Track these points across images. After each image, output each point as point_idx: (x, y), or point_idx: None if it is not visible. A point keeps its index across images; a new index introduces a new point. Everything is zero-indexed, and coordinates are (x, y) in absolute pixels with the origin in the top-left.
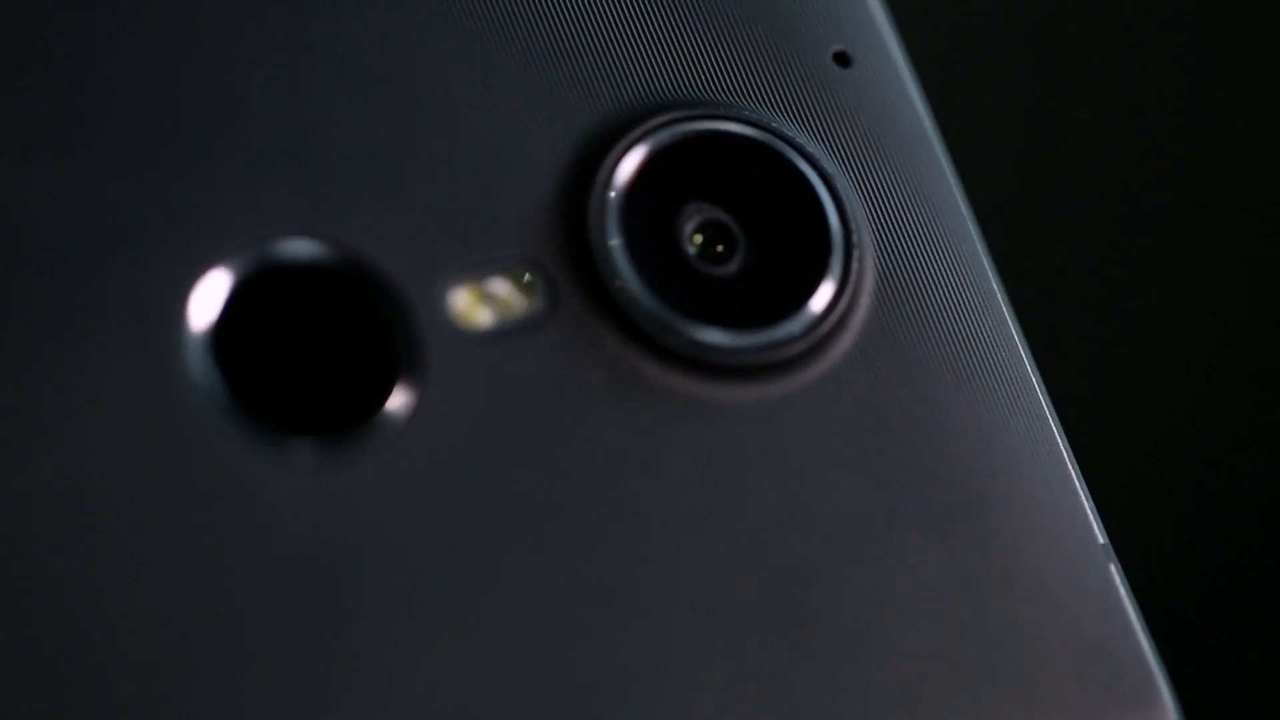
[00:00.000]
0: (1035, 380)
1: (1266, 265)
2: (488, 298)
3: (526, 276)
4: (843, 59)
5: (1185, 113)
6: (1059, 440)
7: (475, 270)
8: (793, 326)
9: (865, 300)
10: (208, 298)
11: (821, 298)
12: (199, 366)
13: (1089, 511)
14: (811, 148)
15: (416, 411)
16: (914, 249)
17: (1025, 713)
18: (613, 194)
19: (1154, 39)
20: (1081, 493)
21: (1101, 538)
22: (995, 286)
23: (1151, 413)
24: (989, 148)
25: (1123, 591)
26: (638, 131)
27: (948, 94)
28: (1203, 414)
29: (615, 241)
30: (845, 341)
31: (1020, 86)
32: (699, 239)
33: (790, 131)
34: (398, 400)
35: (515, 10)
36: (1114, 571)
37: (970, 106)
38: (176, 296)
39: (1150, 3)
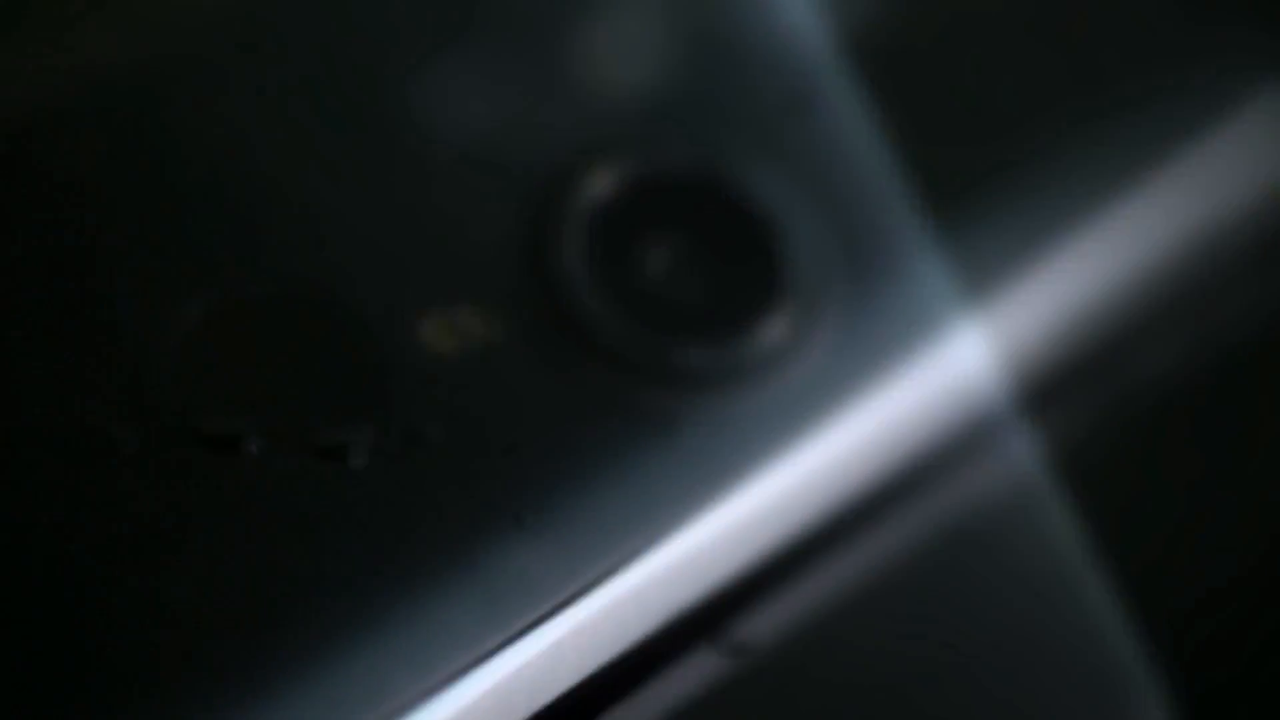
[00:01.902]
0: (1003, 388)
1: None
2: (456, 327)
3: (492, 307)
4: (797, 103)
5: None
6: (1030, 446)
7: (443, 303)
8: (758, 342)
9: (829, 318)
10: (182, 328)
11: (785, 314)
12: (176, 395)
13: (1064, 514)
14: (769, 181)
15: (389, 433)
16: (874, 269)
17: (1008, 714)
18: (577, 226)
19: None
20: (1055, 495)
21: (1080, 540)
22: (957, 300)
23: (1133, 412)
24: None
25: (1104, 592)
26: (602, 163)
27: (905, 126)
28: (1185, 411)
29: (579, 268)
30: (810, 356)
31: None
32: (661, 266)
33: (747, 165)
34: (372, 424)
35: (477, 54)
36: (1094, 573)
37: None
38: (150, 329)
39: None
